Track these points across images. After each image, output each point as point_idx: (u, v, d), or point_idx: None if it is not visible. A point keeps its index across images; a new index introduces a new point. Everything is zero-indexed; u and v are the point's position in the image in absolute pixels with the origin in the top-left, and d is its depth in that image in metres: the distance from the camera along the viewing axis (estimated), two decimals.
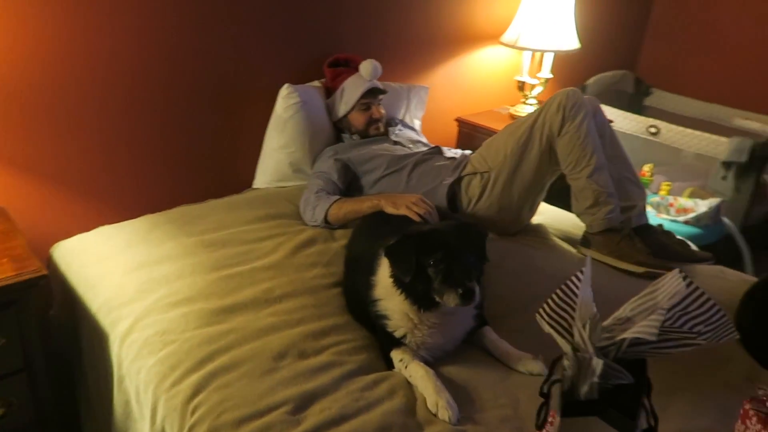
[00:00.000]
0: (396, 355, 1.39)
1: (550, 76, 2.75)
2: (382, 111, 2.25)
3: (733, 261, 2.51)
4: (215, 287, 1.58)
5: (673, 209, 2.81)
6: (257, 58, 2.14)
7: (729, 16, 3.28)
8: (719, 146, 2.80)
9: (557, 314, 0.85)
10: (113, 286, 1.60)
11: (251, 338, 1.41)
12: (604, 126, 1.95)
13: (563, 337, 0.82)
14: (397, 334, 1.38)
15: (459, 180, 1.99)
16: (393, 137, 2.25)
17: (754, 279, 1.76)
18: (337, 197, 1.94)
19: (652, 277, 1.71)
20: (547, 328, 0.85)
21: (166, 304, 1.51)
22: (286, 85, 2.12)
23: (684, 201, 2.78)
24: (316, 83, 2.27)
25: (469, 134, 2.74)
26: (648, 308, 0.80)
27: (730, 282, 1.77)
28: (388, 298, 1.38)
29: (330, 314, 1.53)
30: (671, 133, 2.96)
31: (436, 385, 1.28)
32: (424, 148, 2.21)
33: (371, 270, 1.43)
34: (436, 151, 2.16)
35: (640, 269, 1.77)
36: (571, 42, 2.62)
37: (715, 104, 3.37)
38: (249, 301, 1.54)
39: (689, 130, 2.90)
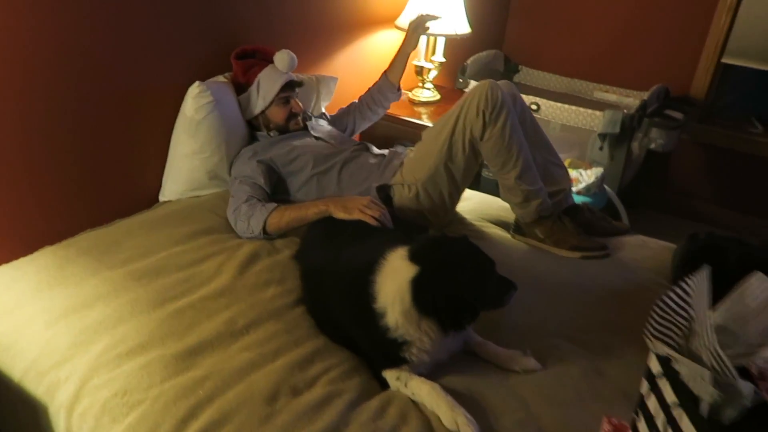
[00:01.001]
0: (391, 374, 1.29)
1: (443, 59, 2.75)
2: (301, 104, 2.08)
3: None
4: (167, 327, 1.35)
5: None
6: (152, 54, 1.84)
7: None
8: (594, 119, 3.00)
9: (664, 333, 0.81)
10: (37, 343, 1.30)
11: (232, 382, 1.22)
12: (524, 112, 1.96)
13: (693, 360, 0.76)
14: (405, 349, 1.27)
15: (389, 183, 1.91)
16: (312, 132, 2.09)
17: (671, 245, 1.91)
18: (275, 205, 1.76)
19: (588, 259, 1.82)
20: (665, 350, 0.80)
21: (115, 356, 1.26)
22: (196, 84, 1.86)
23: (570, 172, 2.96)
24: (222, 78, 2.03)
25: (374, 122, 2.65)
26: (742, 315, 0.79)
27: (653, 249, 1.90)
28: (397, 314, 1.26)
29: (305, 338, 1.38)
30: (551, 109, 3.11)
31: (447, 401, 1.21)
32: (348, 144, 2.08)
33: (365, 285, 1.29)
34: (363, 147, 2.05)
35: (577, 254, 1.83)
36: (464, 26, 2.63)
37: (577, 79, 3.61)
38: (213, 337, 1.33)
39: (566, 106, 3.07)
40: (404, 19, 2.61)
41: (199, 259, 1.60)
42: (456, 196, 1.91)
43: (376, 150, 2.06)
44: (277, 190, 1.93)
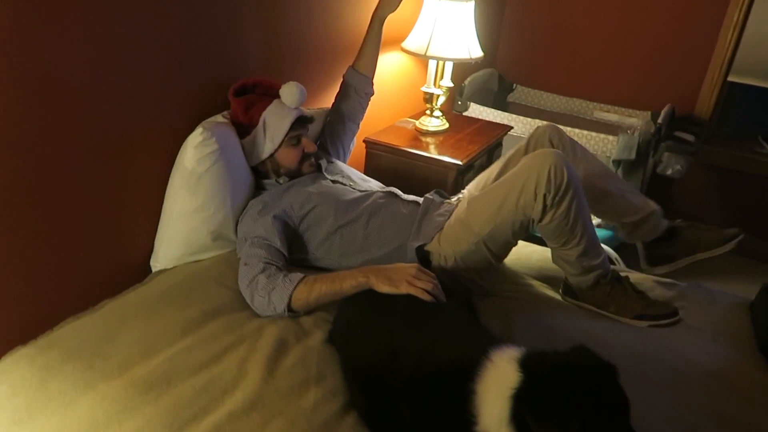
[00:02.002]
0: None
1: (451, 84, 2.48)
2: (314, 144, 1.77)
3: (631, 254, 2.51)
4: None
5: None
6: (138, 93, 1.49)
7: (579, 13, 3.30)
8: (607, 144, 2.80)
9: None
10: None
11: None
12: (574, 147, 1.78)
13: None
14: None
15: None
16: (327, 174, 1.79)
17: (741, 298, 1.69)
18: (300, 275, 1.44)
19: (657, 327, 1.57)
20: None
21: None
22: (199, 130, 1.53)
23: None
24: (221, 118, 1.70)
25: (378, 155, 2.36)
26: None
27: (724, 306, 1.66)
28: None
29: None
30: None
31: None
32: (371, 187, 1.78)
33: (459, 397, 0.99)
34: (390, 193, 1.75)
35: (644, 323, 1.58)
36: (477, 49, 2.36)
37: (575, 98, 3.41)
38: None
39: (577, 130, 2.85)
40: (411, 42, 2.33)
41: (216, 355, 1.27)
42: (498, 265, 1.64)
43: (405, 196, 1.77)
44: (291, 249, 1.61)
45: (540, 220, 1.48)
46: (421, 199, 1.75)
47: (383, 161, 2.33)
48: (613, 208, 1.82)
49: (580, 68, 3.39)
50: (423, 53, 2.24)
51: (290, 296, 1.40)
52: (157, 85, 1.54)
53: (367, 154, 2.37)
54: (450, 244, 1.57)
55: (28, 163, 1.28)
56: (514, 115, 2.92)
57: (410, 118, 2.58)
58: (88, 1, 1.31)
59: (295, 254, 1.63)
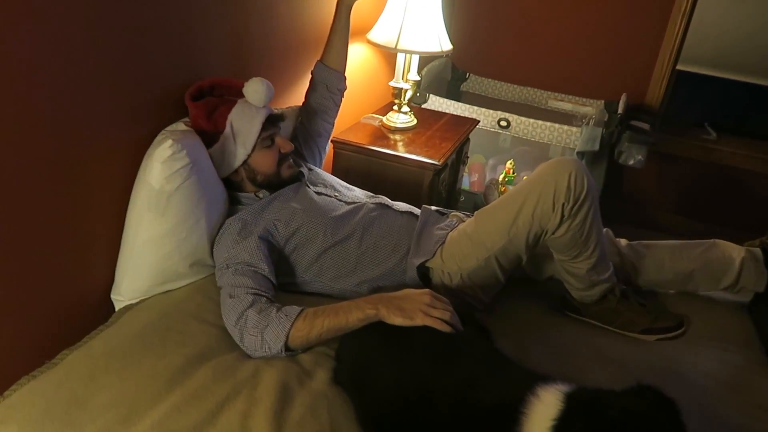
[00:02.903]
0: None
1: (418, 78, 2.33)
2: (289, 142, 1.57)
3: None
4: None
5: None
6: (87, 101, 1.24)
7: (531, 0, 3.22)
8: (570, 136, 2.74)
9: None
10: None
11: None
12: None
13: None
14: None
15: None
16: (310, 185, 1.60)
17: (737, 299, 1.66)
18: (297, 309, 1.25)
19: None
20: None
21: None
22: (168, 143, 1.29)
23: None
24: (183, 125, 1.46)
25: (346, 155, 2.17)
26: None
27: (723, 314, 1.61)
28: None
29: None
30: (522, 125, 2.81)
31: None
32: (358, 197, 1.61)
33: None
34: (380, 203, 1.59)
35: (651, 338, 1.50)
36: (446, 42, 2.22)
37: (529, 87, 3.34)
38: None
39: (540, 122, 2.78)
40: (378, 34, 2.15)
41: (211, 412, 1.07)
42: (504, 281, 1.51)
43: (397, 206, 1.61)
44: (277, 272, 1.42)
45: (554, 232, 1.37)
46: (413, 208, 1.60)
47: (353, 162, 2.15)
48: (707, 280, 1.62)
49: (533, 57, 3.32)
50: (393, 46, 2.07)
51: (287, 334, 1.22)
52: (108, 91, 1.29)
53: (335, 154, 2.18)
54: (455, 260, 1.43)
55: None
56: (475, 107, 2.81)
57: (374, 113, 2.41)
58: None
59: (280, 278, 1.44)
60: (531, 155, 3.05)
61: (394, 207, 1.59)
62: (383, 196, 1.65)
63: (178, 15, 1.44)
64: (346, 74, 1.88)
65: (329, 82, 1.82)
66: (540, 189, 1.34)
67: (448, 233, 1.49)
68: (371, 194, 1.67)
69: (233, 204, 1.52)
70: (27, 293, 1.21)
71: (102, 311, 1.36)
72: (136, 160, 1.36)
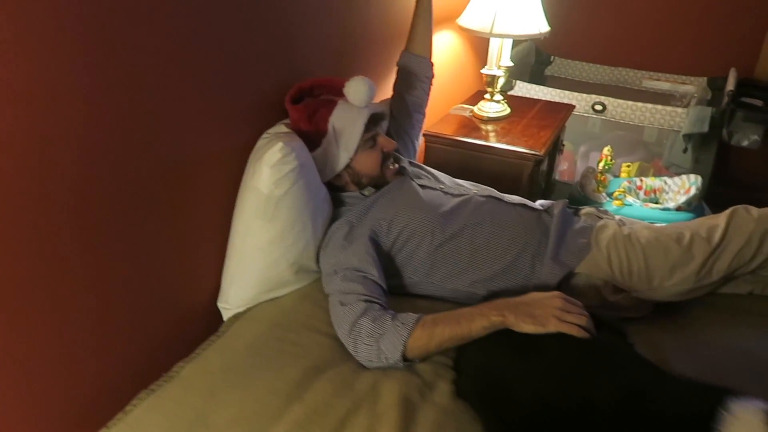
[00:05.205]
0: None
1: (512, 64, 2.18)
2: (392, 141, 1.48)
3: None
4: None
5: (641, 192, 2.49)
6: (190, 111, 1.19)
7: None
8: (675, 118, 2.52)
9: None
10: None
11: None
12: None
13: None
14: None
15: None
16: (414, 178, 1.50)
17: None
18: (415, 317, 1.16)
19: None
20: None
21: None
22: (279, 145, 1.22)
23: (650, 181, 2.47)
24: (284, 128, 1.40)
25: (439, 149, 2.07)
26: None
27: None
28: None
29: None
30: (619, 108, 2.61)
31: None
32: (466, 189, 1.50)
33: None
34: (492, 198, 1.47)
35: None
36: (544, 24, 2.06)
37: (621, 68, 3.11)
38: None
39: (639, 104, 2.57)
40: (470, 19, 2.02)
41: (335, 430, 1.00)
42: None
43: (509, 198, 1.49)
44: (385, 274, 1.33)
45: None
46: (526, 201, 1.48)
47: (446, 155, 2.05)
48: None
49: (623, 34, 3.09)
50: (488, 31, 1.94)
51: (405, 344, 1.13)
52: (211, 96, 1.24)
53: (427, 148, 2.08)
54: (610, 268, 1.33)
55: (68, 206, 0.99)
56: (567, 92, 2.64)
57: (464, 104, 2.29)
58: (126, 16, 1.00)
59: (389, 280, 1.34)
60: (625, 140, 2.84)
61: (505, 199, 1.47)
62: (492, 188, 1.53)
63: (276, 15, 1.37)
64: (433, 62, 1.77)
65: (417, 70, 1.72)
66: (730, 233, 1.31)
67: (588, 242, 1.37)
68: (479, 185, 1.55)
69: (338, 206, 1.44)
70: (139, 302, 1.17)
71: (210, 321, 1.32)
72: (240, 165, 1.30)
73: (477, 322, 1.11)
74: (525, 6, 1.95)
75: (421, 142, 2.04)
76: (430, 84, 1.77)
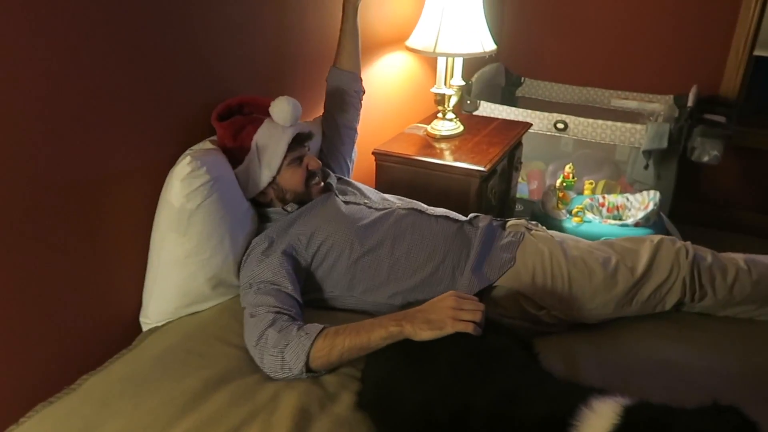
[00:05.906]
0: None
1: (463, 83, 2.20)
2: (318, 160, 1.49)
3: None
4: None
5: (604, 209, 2.48)
6: (110, 125, 1.22)
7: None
8: (635, 134, 2.52)
9: None
10: None
11: None
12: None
13: None
14: None
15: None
16: (340, 195, 1.51)
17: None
18: (318, 327, 1.16)
19: None
20: None
21: None
22: (187, 159, 1.24)
23: (613, 198, 2.47)
24: (209, 144, 1.42)
25: (389, 167, 2.08)
26: None
27: None
28: None
29: None
30: (580, 126, 2.61)
31: None
32: (391, 204, 1.51)
33: None
34: (415, 210, 1.47)
35: None
36: (489, 42, 2.09)
37: (589, 87, 3.13)
38: None
39: (600, 122, 2.58)
40: (416, 39, 2.05)
41: None
42: None
43: (432, 210, 1.49)
44: (304, 289, 1.34)
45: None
46: (450, 213, 1.48)
47: (396, 174, 2.06)
48: None
49: (591, 54, 3.11)
50: (431, 50, 1.97)
51: (308, 354, 1.13)
52: (134, 113, 1.27)
53: (378, 166, 2.09)
54: (517, 282, 1.34)
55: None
56: (529, 111, 2.65)
57: (420, 123, 2.31)
58: (42, 31, 1.04)
59: (310, 294, 1.36)
60: (594, 158, 2.84)
61: (428, 212, 1.47)
62: (417, 201, 1.54)
63: (204, 35, 1.41)
64: (387, 84, 1.80)
65: (345, 85, 1.74)
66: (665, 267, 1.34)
67: (512, 257, 1.38)
68: (405, 199, 1.56)
69: (263, 222, 1.46)
70: (51, 317, 1.18)
71: (133, 334, 1.32)
72: (160, 182, 1.32)
73: (376, 333, 1.11)
74: (468, 25, 1.98)
75: (371, 160, 2.06)
76: (360, 99, 1.79)
